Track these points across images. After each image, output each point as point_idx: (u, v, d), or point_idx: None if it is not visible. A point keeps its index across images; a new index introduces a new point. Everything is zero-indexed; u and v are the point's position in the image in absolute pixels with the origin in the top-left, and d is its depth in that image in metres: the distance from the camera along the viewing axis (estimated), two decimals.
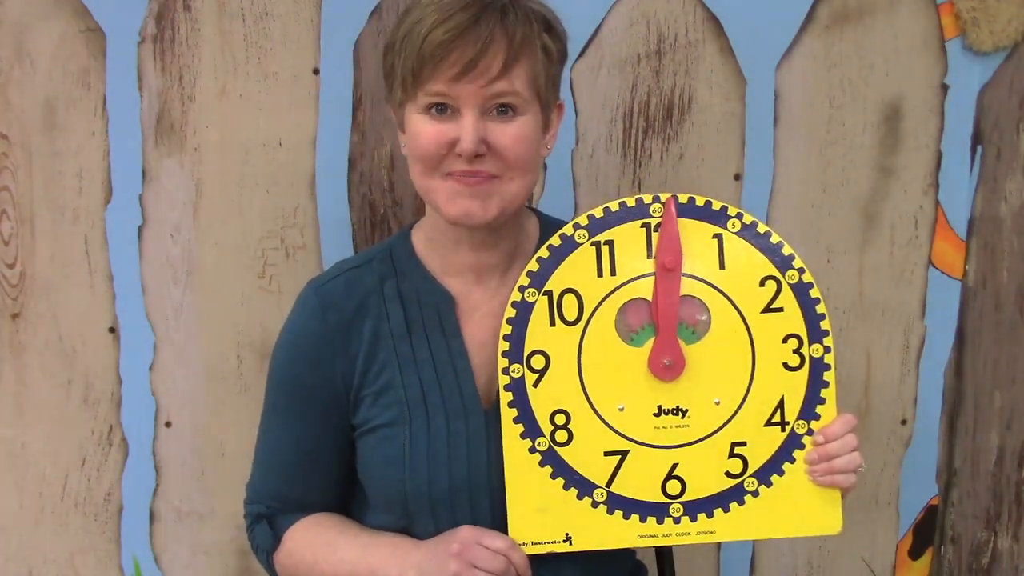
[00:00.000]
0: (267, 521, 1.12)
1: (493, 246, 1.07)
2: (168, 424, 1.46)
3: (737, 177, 1.46)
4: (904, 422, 1.53)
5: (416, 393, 1.05)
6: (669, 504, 1.01)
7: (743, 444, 1.02)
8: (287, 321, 1.11)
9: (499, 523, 1.03)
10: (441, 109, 0.98)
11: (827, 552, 1.56)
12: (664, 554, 1.30)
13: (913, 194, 1.47)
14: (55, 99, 1.39)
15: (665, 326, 1.01)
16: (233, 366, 1.45)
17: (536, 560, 1.03)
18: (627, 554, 1.21)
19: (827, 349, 1.02)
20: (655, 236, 1.02)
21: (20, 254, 1.42)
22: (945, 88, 1.45)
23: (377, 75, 1.37)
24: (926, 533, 1.57)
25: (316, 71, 1.39)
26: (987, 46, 1.42)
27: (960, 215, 1.48)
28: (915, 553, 1.57)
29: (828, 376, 1.02)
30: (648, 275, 1.02)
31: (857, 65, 1.43)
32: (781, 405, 1.02)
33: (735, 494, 1.01)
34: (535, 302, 1.02)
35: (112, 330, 1.44)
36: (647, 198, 1.02)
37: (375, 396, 1.06)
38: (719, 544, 1.54)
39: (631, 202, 1.02)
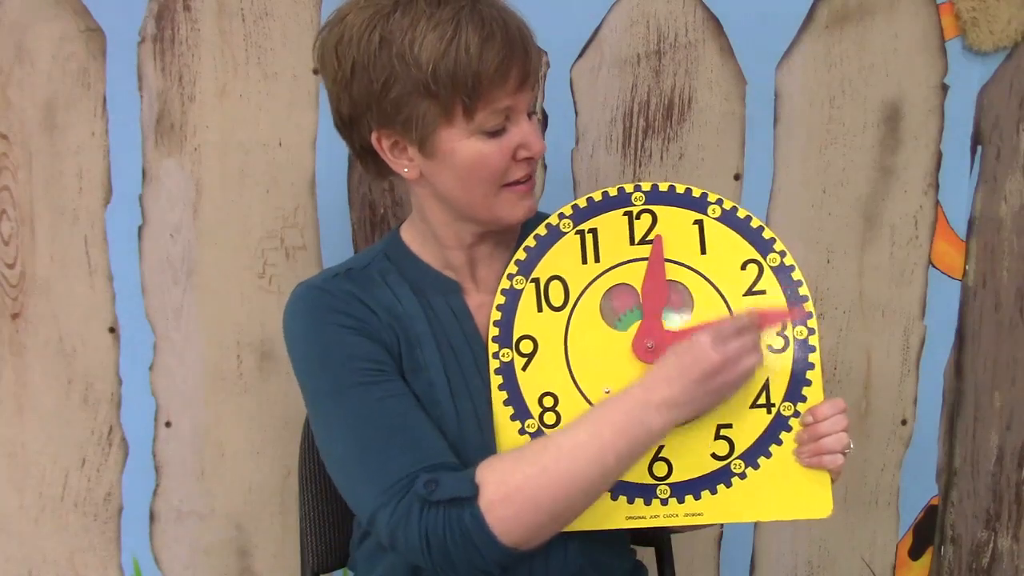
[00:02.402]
0: (448, 476, 0.94)
1: (487, 239, 1.08)
2: (168, 424, 1.46)
3: (737, 177, 1.46)
4: (904, 422, 1.53)
5: (440, 375, 1.05)
6: (656, 485, 1.02)
7: (728, 426, 1.02)
8: (296, 313, 1.05)
9: None
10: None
11: (827, 552, 1.56)
12: (664, 554, 1.31)
13: (913, 194, 1.47)
14: (55, 99, 1.39)
15: (651, 310, 1.02)
16: (233, 366, 1.45)
17: (539, 555, 1.04)
18: (627, 553, 1.21)
19: (811, 331, 1.03)
20: (637, 224, 1.05)
21: (20, 254, 1.42)
22: (945, 88, 1.45)
23: None
24: (926, 533, 1.57)
25: (316, 71, 1.39)
26: (987, 46, 1.42)
27: (960, 215, 1.48)
28: (915, 553, 1.57)
29: (813, 358, 1.02)
30: (631, 261, 1.04)
31: (857, 65, 1.44)
32: (766, 387, 1.02)
33: (722, 476, 1.02)
34: (523, 289, 1.05)
35: (112, 330, 1.44)
36: (628, 187, 1.05)
37: (410, 377, 1.04)
38: (719, 544, 1.54)
39: (613, 192, 1.06)
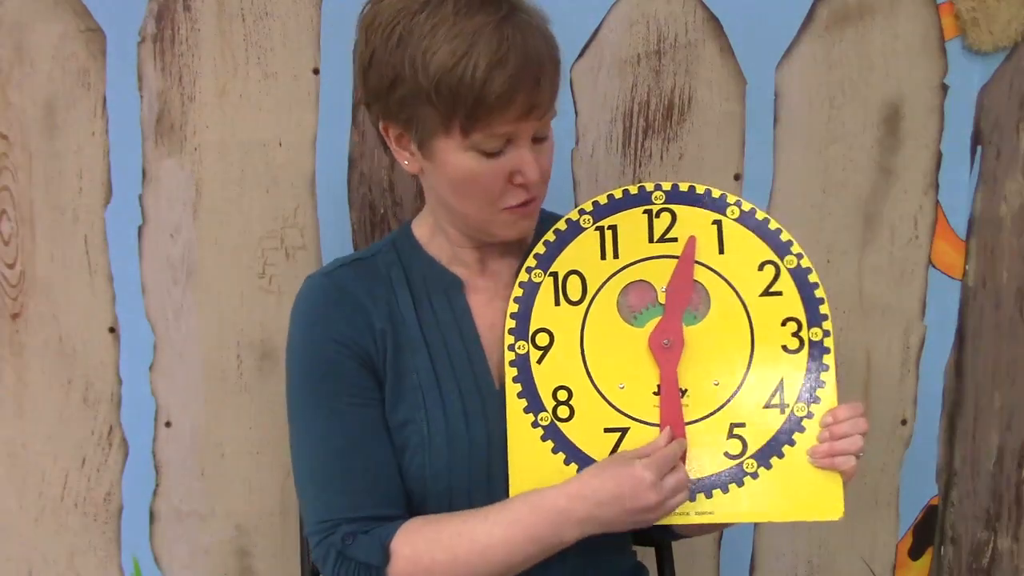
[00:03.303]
0: (364, 536, 1.01)
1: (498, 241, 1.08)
2: (168, 424, 1.46)
3: (737, 177, 1.46)
4: (904, 422, 1.53)
5: (430, 378, 1.05)
6: None
7: (742, 425, 1.02)
8: (297, 311, 1.08)
9: None
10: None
11: (827, 552, 1.56)
12: (664, 554, 1.31)
13: (913, 194, 1.47)
14: (55, 99, 1.39)
15: (673, 308, 1.03)
16: (233, 366, 1.45)
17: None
18: (628, 553, 1.21)
19: (826, 333, 1.03)
20: (656, 222, 1.06)
21: (20, 254, 1.42)
22: (945, 88, 1.45)
23: None
24: (926, 533, 1.57)
25: (316, 71, 1.39)
26: (987, 46, 1.42)
27: (960, 215, 1.48)
28: (915, 553, 1.57)
29: (828, 360, 1.03)
30: (650, 258, 1.05)
31: (857, 65, 1.43)
32: (780, 387, 1.02)
33: (734, 475, 1.02)
34: (541, 282, 1.06)
35: (112, 330, 1.44)
36: (649, 186, 1.07)
37: (393, 384, 1.05)
38: (719, 544, 1.54)
39: (634, 190, 1.07)
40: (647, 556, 1.25)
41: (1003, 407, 1.52)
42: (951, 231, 1.49)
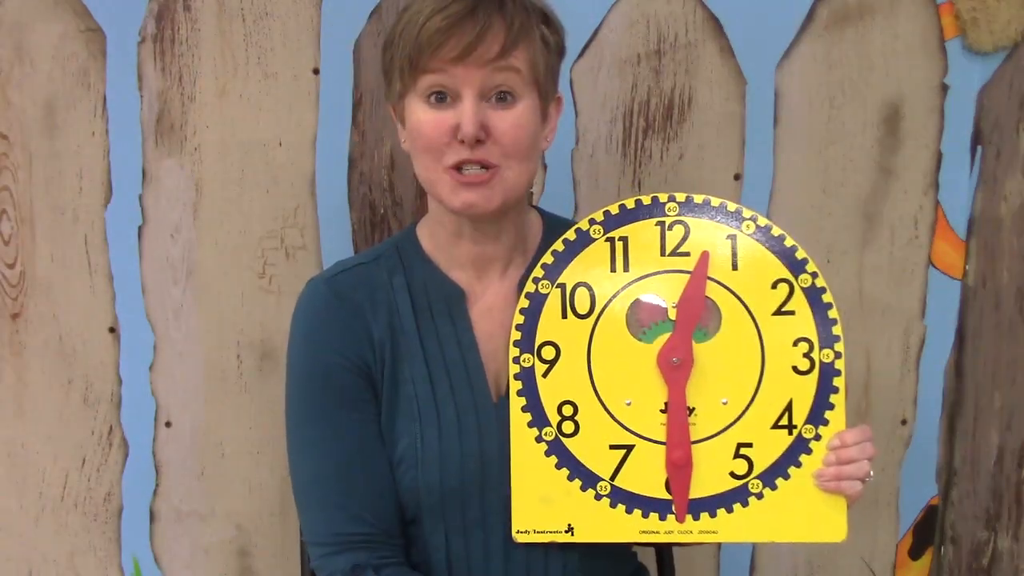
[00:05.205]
0: (372, 571, 1.02)
1: (494, 238, 1.07)
2: (168, 424, 1.46)
3: (737, 177, 1.46)
4: (904, 422, 1.53)
5: (426, 389, 1.05)
6: (672, 501, 1.01)
7: (749, 445, 1.01)
8: (297, 319, 1.08)
9: (509, 517, 1.03)
10: (440, 97, 0.98)
11: (827, 552, 1.56)
12: (664, 554, 1.31)
13: (913, 194, 1.47)
14: (55, 99, 1.39)
15: (683, 325, 1.01)
16: (233, 366, 1.45)
17: (538, 561, 1.04)
18: (628, 555, 1.21)
19: (838, 355, 1.03)
20: (669, 235, 1.03)
21: (20, 254, 1.42)
22: (945, 88, 1.45)
23: (377, 75, 1.37)
24: (926, 533, 1.57)
25: (316, 71, 1.39)
26: (987, 46, 1.42)
27: (960, 215, 1.48)
28: (915, 553, 1.57)
29: (838, 382, 1.02)
30: (661, 272, 1.03)
31: (857, 65, 1.43)
32: (789, 408, 1.01)
33: (739, 495, 1.01)
34: (548, 294, 1.03)
35: (112, 330, 1.44)
36: (663, 197, 1.03)
37: (390, 394, 1.05)
38: (719, 544, 1.54)
39: (647, 200, 1.03)
40: (647, 556, 1.25)
41: (1003, 407, 1.52)
42: (951, 231, 1.49)
